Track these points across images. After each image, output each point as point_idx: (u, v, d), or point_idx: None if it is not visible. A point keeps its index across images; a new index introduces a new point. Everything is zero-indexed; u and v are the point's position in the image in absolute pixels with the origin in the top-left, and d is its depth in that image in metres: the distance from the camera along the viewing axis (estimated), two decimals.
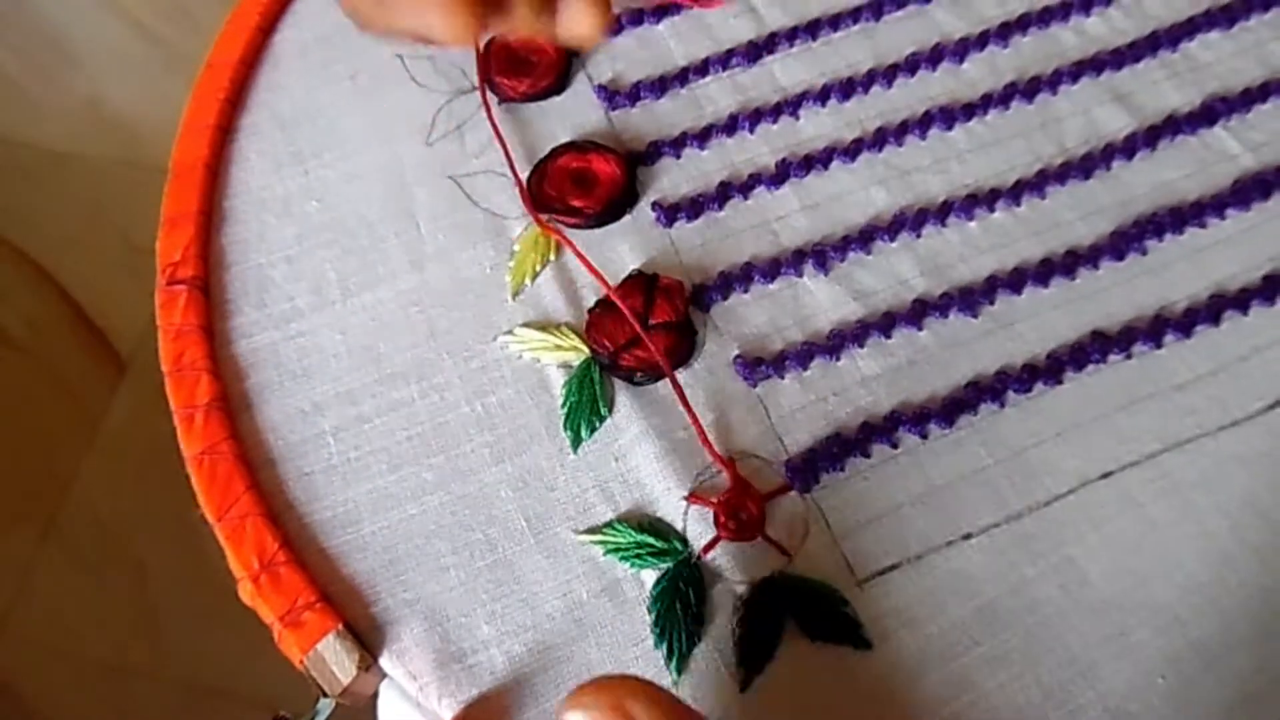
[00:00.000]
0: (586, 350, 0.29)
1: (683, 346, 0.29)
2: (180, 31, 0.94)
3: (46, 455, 0.82)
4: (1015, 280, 0.30)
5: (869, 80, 0.35)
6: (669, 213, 0.32)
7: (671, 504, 0.27)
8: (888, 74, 0.35)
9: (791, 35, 0.36)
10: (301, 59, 0.36)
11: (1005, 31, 0.35)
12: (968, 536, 0.27)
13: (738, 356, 0.29)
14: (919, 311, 0.30)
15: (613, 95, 0.34)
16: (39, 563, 0.78)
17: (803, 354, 0.29)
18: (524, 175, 0.33)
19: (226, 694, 0.73)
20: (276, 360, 0.30)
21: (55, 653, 0.75)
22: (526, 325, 0.30)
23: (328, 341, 0.30)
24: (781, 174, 0.33)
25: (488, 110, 0.34)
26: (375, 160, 0.33)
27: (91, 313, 0.87)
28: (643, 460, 0.28)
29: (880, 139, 0.33)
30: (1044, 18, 0.36)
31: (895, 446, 0.28)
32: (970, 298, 0.30)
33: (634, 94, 0.34)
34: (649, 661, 0.25)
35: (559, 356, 0.29)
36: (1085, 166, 0.33)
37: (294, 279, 0.31)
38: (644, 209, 0.32)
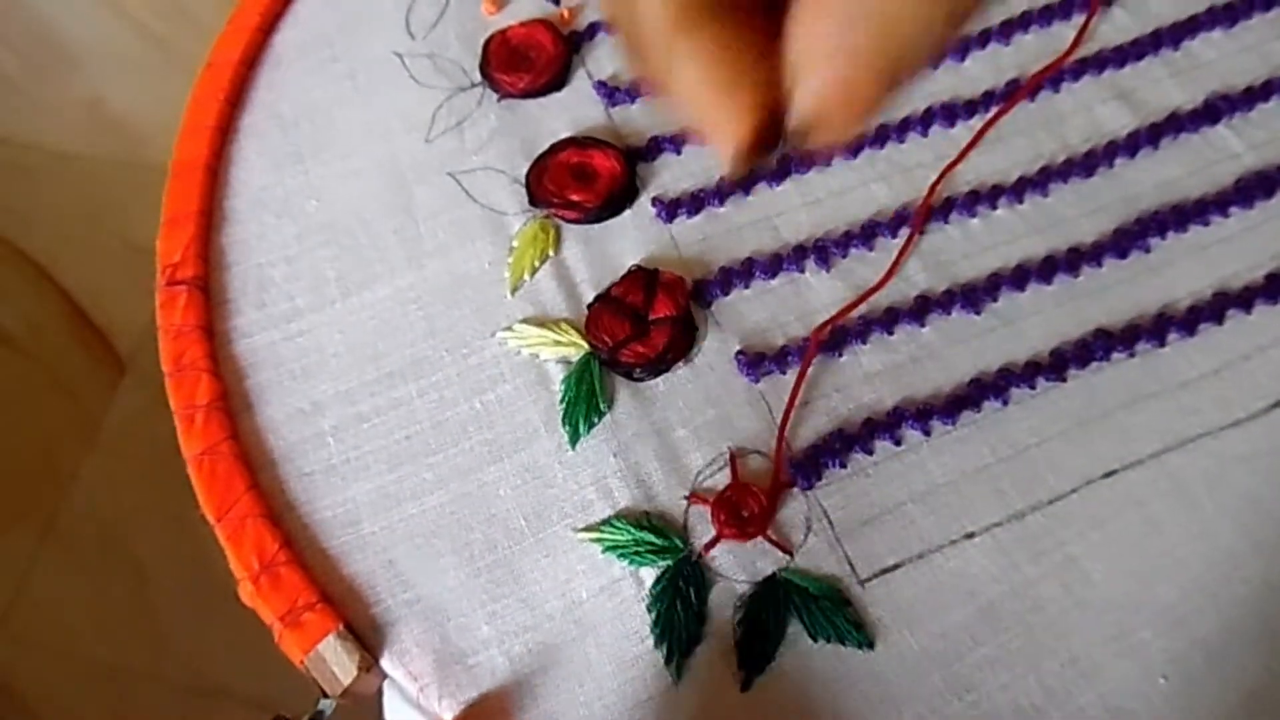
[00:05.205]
0: (586, 345, 0.29)
1: (683, 342, 0.29)
2: (180, 31, 0.94)
3: (46, 455, 0.82)
4: (1018, 278, 0.30)
5: None
6: (669, 208, 0.32)
7: (671, 502, 0.27)
8: None
9: None
10: (301, 59, 0.36)
11: (1007, 29, 0.35)
12: (970, 535, 0.27)
13: (739, 352, 0.29)
14: (922, 308, 0.30)
15: (613, 92, 0.34)
16: (39, 563, 0.78)
17: (805, 350, 0.29)
18: (523, 171, 0.33)
19: (226, 694, 0.72)
20: (276, 360, 0.30)
21: (55, 653, 0.75)
22: (525, 321, 0.30)
23: (327, 340, 0.30)
24: (783, 170, 0.33)
25: None
26: (375, 158, 0.33)
27: (91, 313, 0.87)
28: (641, 457, 0.28)
29: (882, 135, 0.33)
30: (1046, 15, 0.36)
31: (898, 443, 0.28)
32: (973, 295, 0.30)
33: (634, 90, 0.34)
34: (649, 662, 0.25)
35: (558, 352, 0.29)
36: (1088, 164, 0.32)
37: (294, 278, 0.31)
38: (644, 204, 0.32)
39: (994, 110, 0.34)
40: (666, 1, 0.19)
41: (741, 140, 0.19)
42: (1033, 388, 0.29)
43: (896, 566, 0.26)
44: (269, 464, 0.28)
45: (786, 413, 0.28)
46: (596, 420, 0.28)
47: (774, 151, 0.20)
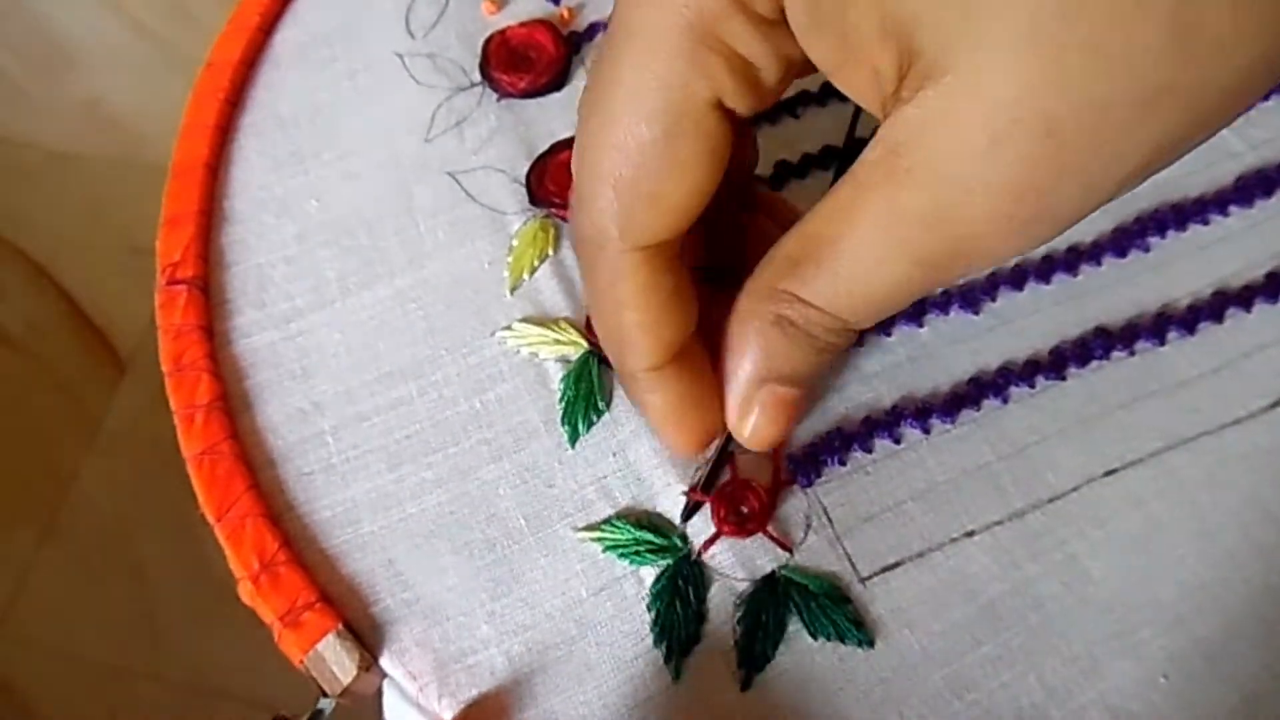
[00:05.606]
0: (585, 344, 0.29)
1: None
2: (180, 31, 0.94)
3: (46, 455, 0.82)
4: (1016, 277, 0.30)
5: None
6: None
7: (670, 500, 0.27)
8: None
9: None
10: (301, 58, 0.36)
11: None
12: (970, 533, 0.27)
13: None
14: (919, 309, 0.30)
15: None
16: (39, 563, 0.78)
17: None
18: (523, 171, 0.33)
19: (226, 694, 0.73)
20: (276, 360, 0.30)
21: (55, 653, 0.75)
22: (525, 320, 0.30)
23: (327, 340, 0.30)
24: (780, 174, 0.32)
25: None
26: (374, 158, 0.33)
27: (91, 313, 0.88)
28: (641, 456, 0.28)
29: None
30: None
31: (898, 442, 0.28)
32: (971, 295, 0.30)
33: None
34: (648, 661, 0.25)
35: (557, 351, 0.29)
36: None
37: (293, 278, 0.31)
38: None
39: None
40: (642, 352, 0.23)
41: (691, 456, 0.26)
42: (1032, 386, 0.29)
43: (897, 564, 0.26)
44: (269, 464, 0.28)
45: None
46: (595, 419, 0.28)
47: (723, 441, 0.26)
